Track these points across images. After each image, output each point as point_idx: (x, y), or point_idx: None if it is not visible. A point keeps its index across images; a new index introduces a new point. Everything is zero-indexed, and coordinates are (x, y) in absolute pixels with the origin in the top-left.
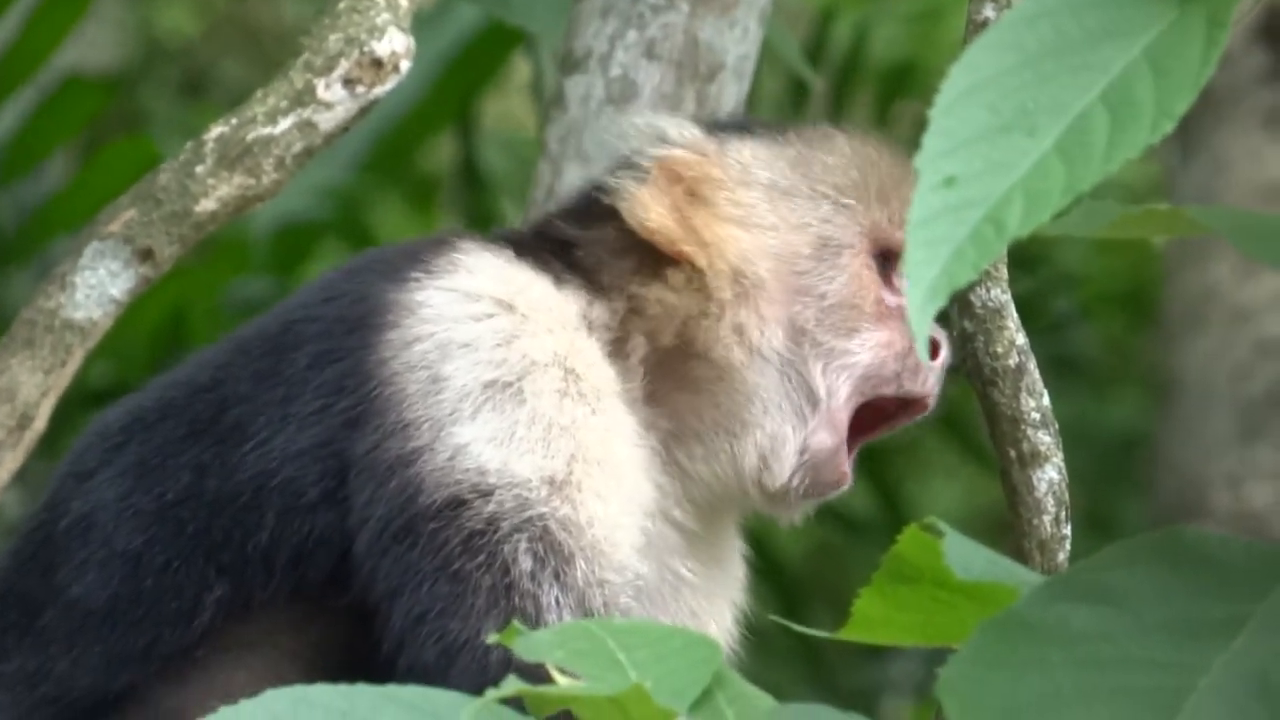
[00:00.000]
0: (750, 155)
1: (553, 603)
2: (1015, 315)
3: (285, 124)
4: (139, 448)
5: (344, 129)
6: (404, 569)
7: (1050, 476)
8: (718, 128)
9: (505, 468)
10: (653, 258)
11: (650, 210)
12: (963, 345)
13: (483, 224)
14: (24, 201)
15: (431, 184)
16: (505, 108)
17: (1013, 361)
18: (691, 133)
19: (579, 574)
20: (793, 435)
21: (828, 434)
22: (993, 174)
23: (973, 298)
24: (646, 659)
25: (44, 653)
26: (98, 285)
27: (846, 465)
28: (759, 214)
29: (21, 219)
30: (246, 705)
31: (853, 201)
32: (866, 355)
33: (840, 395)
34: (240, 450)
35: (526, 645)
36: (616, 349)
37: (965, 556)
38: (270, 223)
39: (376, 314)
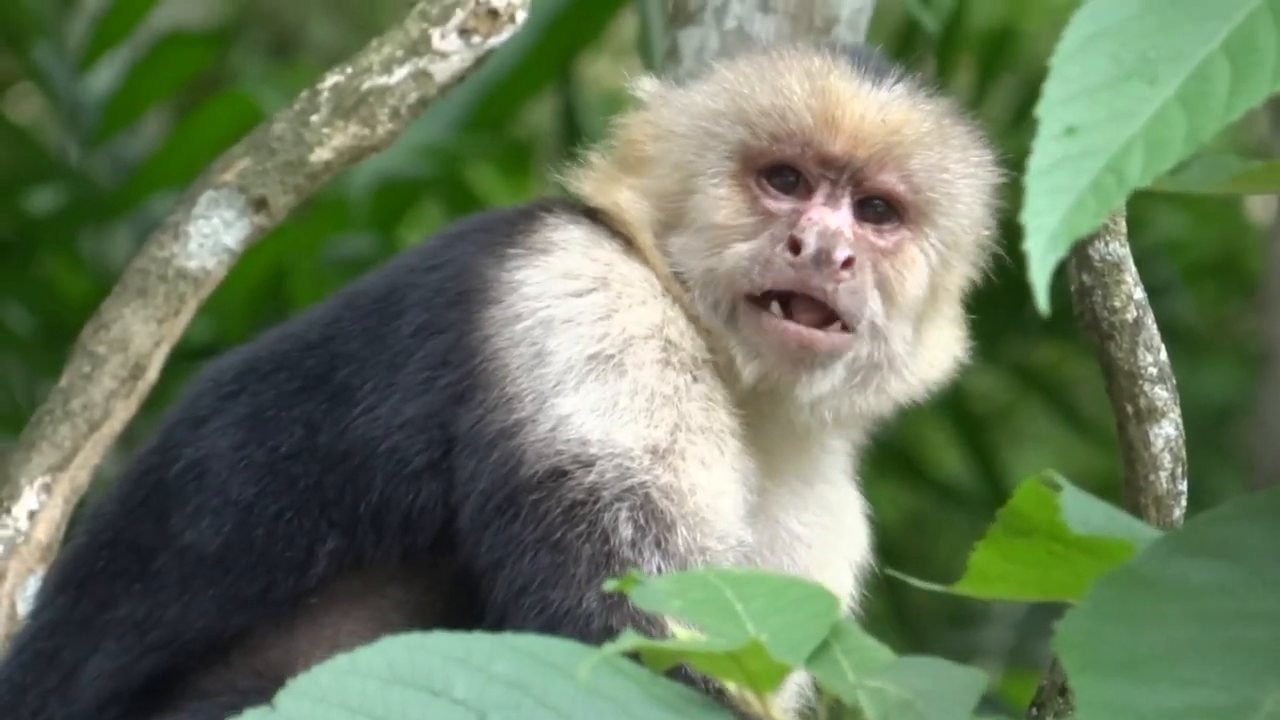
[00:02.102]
0: (675, 103)
1: (655, 570)
2: (1134, 270)
3: (400, 74)
4: (252, 399)
5: (459, 79)
6: (506, 541)
7: (1167, 432)
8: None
9: (608, 437)
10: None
11: (584, 185)
12: (1081, 299)
13: None
14: (123, 158)
15: (530, 143)
16: (604, 69)
17: (1130, 316)
18: (649, 85)
19: (680, 541)
20: (732, 339)
21: (751, 332)
22: (1114, 123)
23: (1091, 251)
24: (763, 610)
25: (154, 598)
26: (211, 234)
27: (794, 342)
28: (656, 158)
29: (120, 175)
30: (364, 653)
31: (718, 129)
32: (726, 266)
33: (722, 308)
34: (350, 411)
35: (643, 595)
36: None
37: (1082, 510)
38: (369, 180)
39: (478, 290)
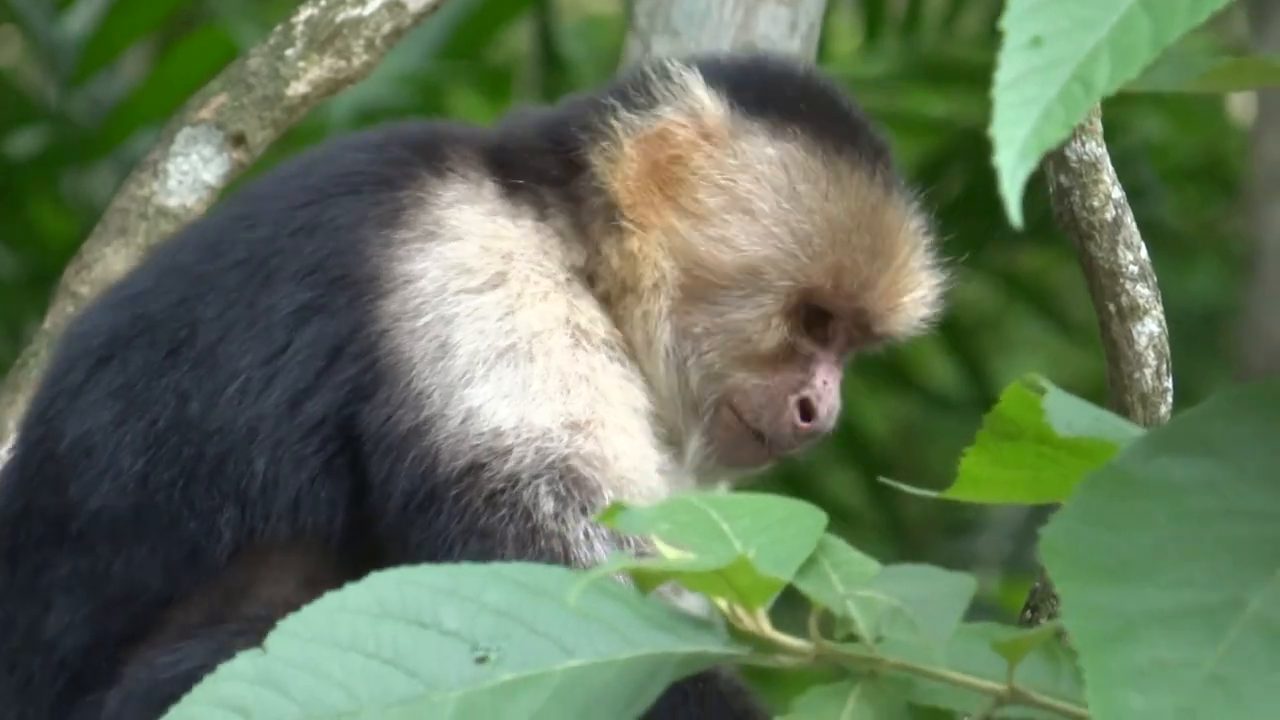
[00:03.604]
0: (745, 148)
1: (581, 537)
2: (1111, 169)
3: (374, 5)
4: (122, 367)
5: (433, 8)
6: (433, 536)
7: (1150, 330)
8: (744, 91)
9: (522, 422)
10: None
11: (617, 172)
12: (1059, 200)
13: None
14: (102, 98)
15: (508, 70)
16: None
17: (1109, 215)
18: (710, 102)
19: (607, 504)
20: (688, 427)
21: (722, 431)
22: (1078, 31)
23: (1068, 152)
24: (750, 528)
25: (91, 553)
26: (190, 171)
27: (756, 457)
28: (711, 219)
29: (100, 115)
30: (353, 590)
31: (802, 256)
32: (736, 383)
33: (705, 402)
34: (220, 383)
35: (628, 521)
36: (599, 294)
37: (1067, 412)
38: (348, 112)
39: (367, 279)
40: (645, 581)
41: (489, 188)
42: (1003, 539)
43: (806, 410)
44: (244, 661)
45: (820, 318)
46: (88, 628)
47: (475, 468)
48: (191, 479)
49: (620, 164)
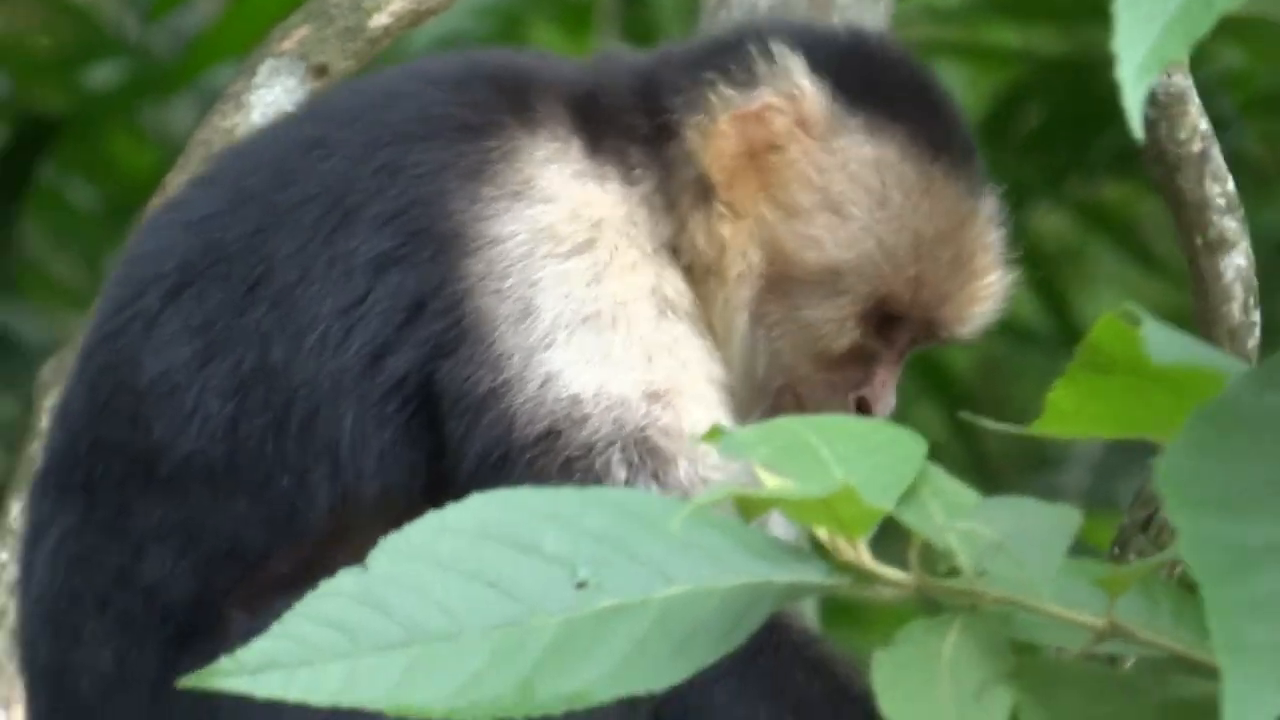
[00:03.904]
0: (843, 145)
1: None
2: (1198, 101)
3: None
4: (198, 301)
5: None
6: None
7: (1237, 262)
8: (846, 80)
9: (602, 389)
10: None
11: (712, 150)
12: (1145, 133)
13: (641, 43)
14: (182, 31)
15: (589, 3)
16: None
17: (1196, 148)
18: (812, 91)
19: (681, 474)
20: (750, 408)
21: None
22: None
23: (1154, 85)
24: (850, 454)
25: (185, 502)
26: (273, 103)
27: None
28: (802, 216)
29: (178, 48)
30: (455, 510)
31: (885, 266)
32: (801, 375)
33: (772, 395)
34: (302, 334)
35: (728, 444)
36: (684, 265)
37: (1164, 342)
38: (431, 42)
39: (451, 236)
40: (749, 510)
41: (576, 145)
42: (1083, 474)
43: (863, 408)
44: (346, 578)
45: (890, 320)
46: (192, 579)
47: (551, 434)
48: (281, 432)
49: (716, 141)
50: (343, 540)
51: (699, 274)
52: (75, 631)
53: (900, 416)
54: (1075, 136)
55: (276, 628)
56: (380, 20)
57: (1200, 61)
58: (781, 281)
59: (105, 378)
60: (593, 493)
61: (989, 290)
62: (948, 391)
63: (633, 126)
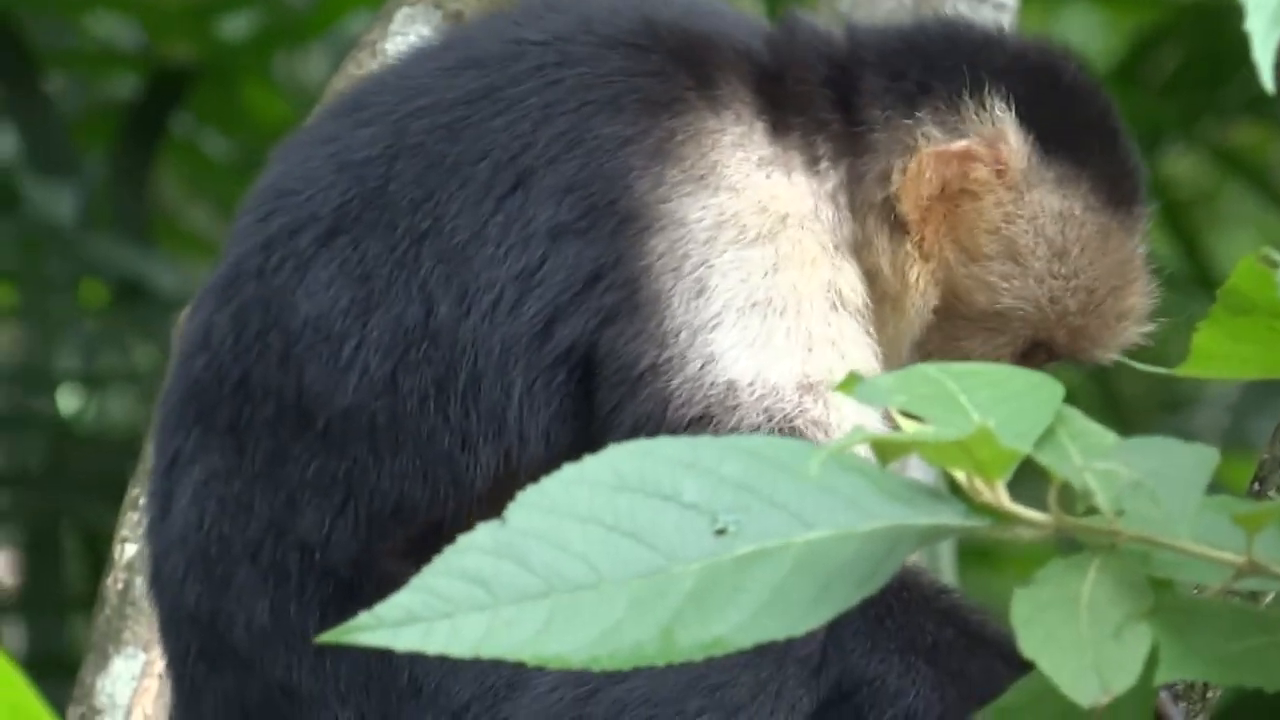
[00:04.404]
0: (1035, 199)
1: None
2: None
3: None
4: (355, 247)
5: None
6: None
7: None
8: (1044, 126)
9: (758, 376)
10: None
11: (910, 187)
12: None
13: None
14: None
15: None
16: None
17: None
18: (1018, 145)
19: None
20: None
21: None
22: None
23: None
24: (988, 400)
25: (345, 455)
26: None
27: None
28: (983, 262)
29: None
30: (591, 461)
31: (1051, 316)
32: None
33: None
34: (474, 295)
35: (865, 391)
36: (863, 270)
37: None
38: None
39: (633, 213)
40: (884, 454)
41: (760, 129)
42: (1220, 415)
43: None
44: (483, 533)
45: (1036, 346)
46: (353, 538)
47: (704, 419)
48: (444, 392)
49: (915, 179)
50: (506, 501)
51: (876, 290)
52: (226, 578)
53: None
54: (1210, 80)
55: (415, 581)
56: None
57: None
58: (948, 315)
59: (253, 313)
60: (730, 440)
61: (1137, 330)
62: None
63: (823, 122)
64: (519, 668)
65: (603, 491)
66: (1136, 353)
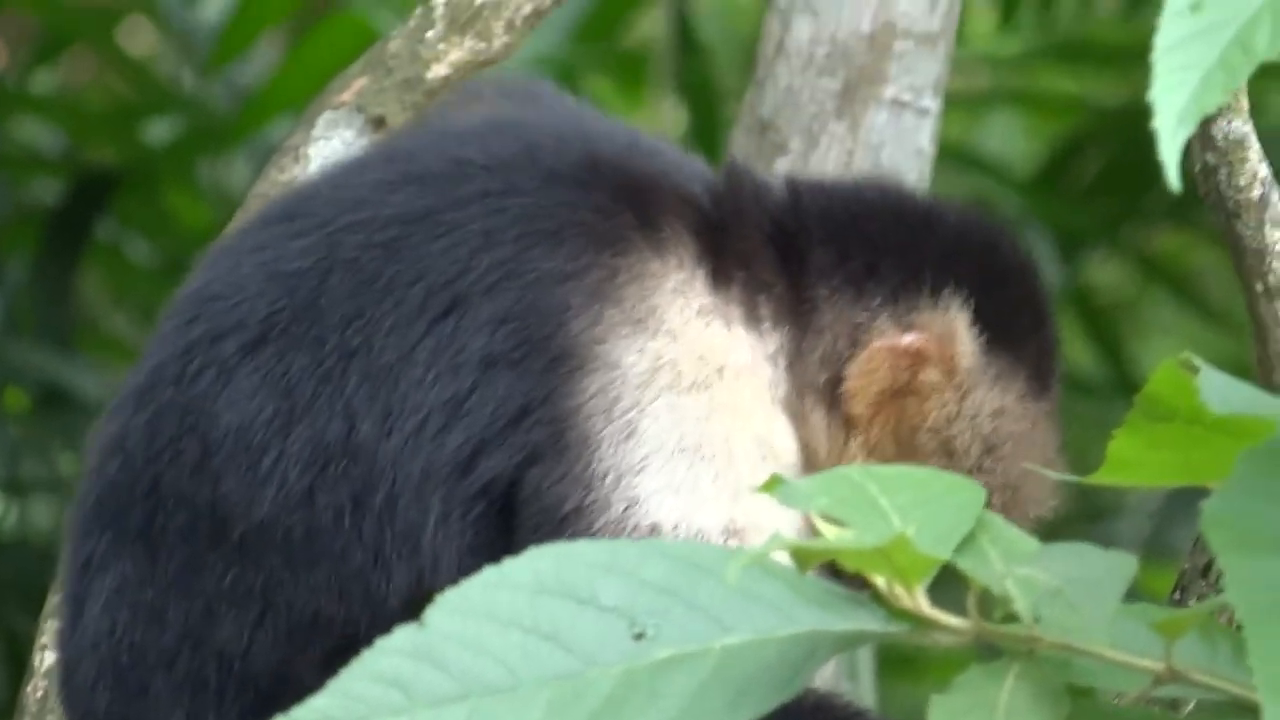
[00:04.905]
0: (976, 400)
1: None
2: (1258, 147)
3: None
4: (280, 359)
5: None
6: None
7: None
8: (989, 319)
9: (683, 520)
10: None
11: (860, 382)
12: (1205, 179)
13: (696, 93)
14: (238, 85)
15: (643, 54)
16: None
17: (1256, 194)
18: (966, 350)
19: None
20: None
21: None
22: None
23: (1214, 130)
24: (908, 503)
25: (262, 568)
26: (332, 155)
27: None
28: (920, 453)
29: (237, 103)
30: (511, 565)
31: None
32: None
33: None
34: (398, 417)
35: (787, 495)
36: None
37: (1222, 391)
38: None
39: (568, 353)
40: (803, 560)
41: (702, 277)
42: (1141, 523)
43: None
44: (401, 636)
45: None
46: (272, 649)
47: None
48: (360, 509)
49: (866, 372)
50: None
51: (804, 455)
52: (141, 686)
53: None
54: (1132, 185)
55: (333, 685)
56: (439, 71)
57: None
58: None
59: (169, 419)
60: (651, 544)
61: (1050, 504)
62: None
63: (766, 283)
64: None
65: (522, 594)
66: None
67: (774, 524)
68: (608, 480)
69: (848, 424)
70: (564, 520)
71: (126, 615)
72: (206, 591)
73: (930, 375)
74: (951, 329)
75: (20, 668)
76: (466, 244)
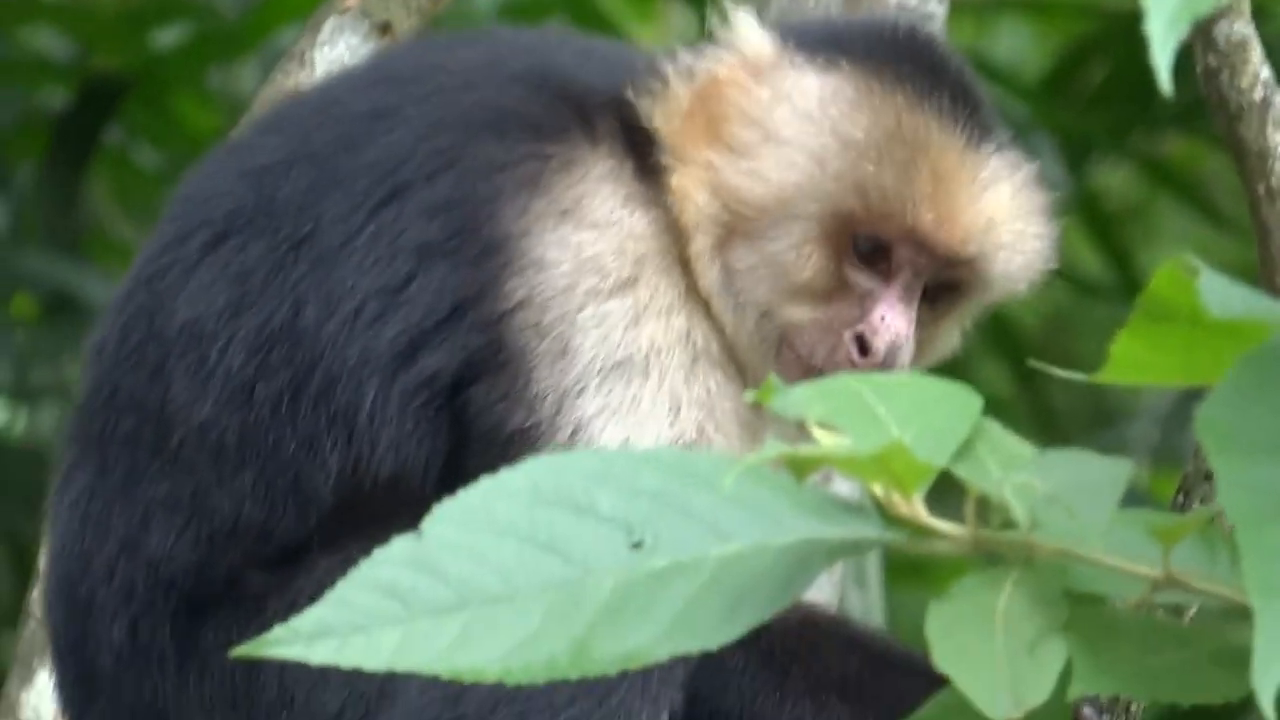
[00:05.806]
0: (785, 81)
1: None
2: (1260, 49)
3: None
4: (239, 250)
5: None
6: None
7: None
8: (810, 36)
9: (626, 442)
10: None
11: (659, 115)
12: (1207, 80)
13: (705, 2)
14: None
15: None
16: None
17: (1259, 95)
18: (759, 43)
19: None
20: (762, 361)
21: (789, 374)
22: None
23: (1216, 33)
24: (905, 410)
25: (193, 477)
26: (337, 60)
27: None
28: (745, 153)
29: (245, 8)
30: (508, 474)
31: (821, 177)
32: (787, 319)
33: (767, 342)
34: (337, 302)
35: (783, 402)
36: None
37: (1221, 293)
38: (493, 1)
39: (498, 246)
40: (800, 468)
41: (631, 168)
42: (1150, 428)
43: (863, 345)
44: (399, 545)
45: (878, 250)
46: (192, 554)
47: None
48: (299, 393)
49: (668, 104)
50: (350, 518)
51: (684, 242)
52: (89, 600)
53: (965, 372)
54: (1140, 91)
55: (331, 595)
56: None
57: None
58: (741, 225)
59: (138, 321)
60: (647, 453)
61: (971, 196)
62: (1014, 347)
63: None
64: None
65: (519, 504)
66: (1066, 364)
67: (719, 434)
68: (548, 402)
69: (676, 159)
70: (510, 440)
71: (77, 527)
72: (144, 500)
73: (725, 73)
74: (744, 36)
75: (26, 573)
76: (413, 134)
